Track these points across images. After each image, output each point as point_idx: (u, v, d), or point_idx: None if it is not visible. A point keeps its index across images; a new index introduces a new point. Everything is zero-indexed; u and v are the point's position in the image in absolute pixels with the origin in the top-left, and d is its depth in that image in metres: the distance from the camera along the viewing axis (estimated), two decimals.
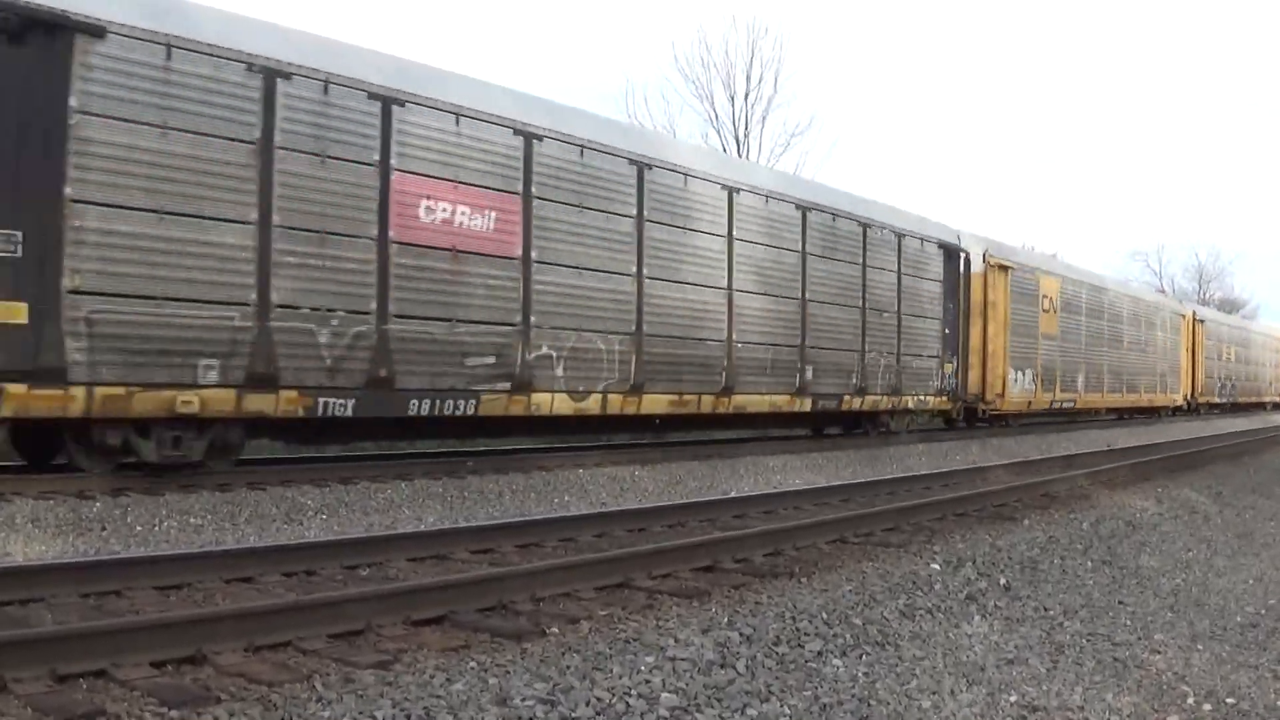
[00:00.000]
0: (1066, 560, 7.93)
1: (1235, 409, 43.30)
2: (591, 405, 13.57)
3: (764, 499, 10.48)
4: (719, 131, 32.37)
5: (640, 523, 8.84)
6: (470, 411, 12.11)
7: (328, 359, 10.77)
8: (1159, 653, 5.65)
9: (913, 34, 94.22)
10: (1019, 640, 5.65)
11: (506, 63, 69.21)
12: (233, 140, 10.09)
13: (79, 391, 9.12)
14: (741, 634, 5.19)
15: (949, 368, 21.37)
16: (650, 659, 4.72)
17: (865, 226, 18.84)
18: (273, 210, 10.34)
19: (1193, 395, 37.64)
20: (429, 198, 11.71)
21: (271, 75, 10.35)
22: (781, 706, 4.33)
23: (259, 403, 10.30)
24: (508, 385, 12.44)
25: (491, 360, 12.27)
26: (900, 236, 19.87)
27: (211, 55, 9.94)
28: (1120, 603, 6.79)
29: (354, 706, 3.96)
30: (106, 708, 3.96)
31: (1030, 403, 25.18)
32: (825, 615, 5.67)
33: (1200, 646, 5.88)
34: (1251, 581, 7.97)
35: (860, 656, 5.09)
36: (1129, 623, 6.28)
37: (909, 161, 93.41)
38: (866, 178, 68.11)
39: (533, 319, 12.71)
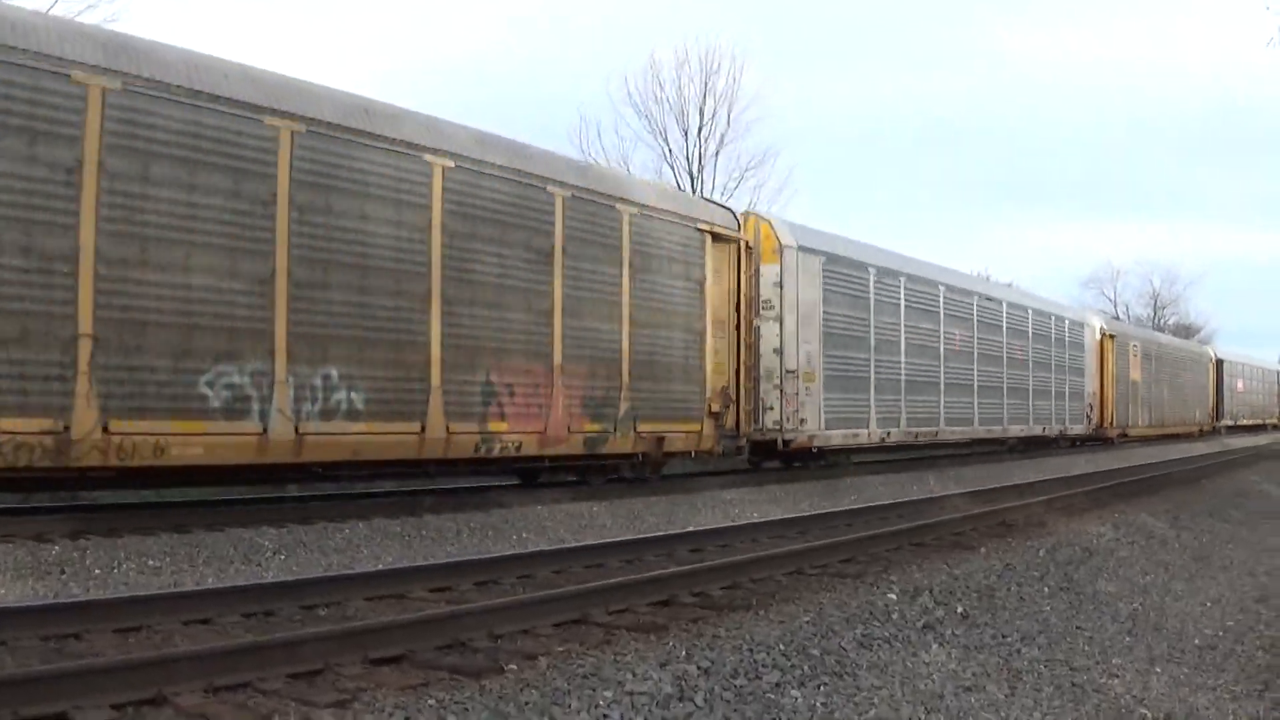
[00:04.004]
0: (1024, 587, 7.93)
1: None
2: None
3: (721, 533, 10.45)
4: (673, 167, 32.48)
5: (598, 559, 8.76)
6: None
7: None
8: (1117, 676, 5.65)
9: (870, 63, 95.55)
10: (977, 668, 5.62)
11: (452, 96, 68.99)
12: None
13: None
14: (699, 667, 5.15)
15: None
16: (608, 694, 4.68)
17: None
18: None
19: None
20: None
21: None
22: None
23: None
24: None
25: None
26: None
27: None
28: (1078, 628, 6.78)
29: None
30: None
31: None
32: (783, 646, 5.63)
33: (1158, 669, 5.88)
34: (1209, 604, 8.01)
35: (818, 687, 5.05)
36: (1087, 648, 6.27)
37: (869, 194, 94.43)
38: (825, 210, 68.78)
39: None
